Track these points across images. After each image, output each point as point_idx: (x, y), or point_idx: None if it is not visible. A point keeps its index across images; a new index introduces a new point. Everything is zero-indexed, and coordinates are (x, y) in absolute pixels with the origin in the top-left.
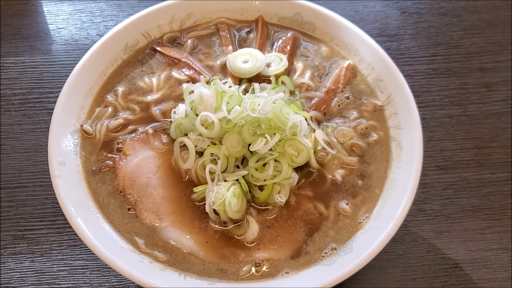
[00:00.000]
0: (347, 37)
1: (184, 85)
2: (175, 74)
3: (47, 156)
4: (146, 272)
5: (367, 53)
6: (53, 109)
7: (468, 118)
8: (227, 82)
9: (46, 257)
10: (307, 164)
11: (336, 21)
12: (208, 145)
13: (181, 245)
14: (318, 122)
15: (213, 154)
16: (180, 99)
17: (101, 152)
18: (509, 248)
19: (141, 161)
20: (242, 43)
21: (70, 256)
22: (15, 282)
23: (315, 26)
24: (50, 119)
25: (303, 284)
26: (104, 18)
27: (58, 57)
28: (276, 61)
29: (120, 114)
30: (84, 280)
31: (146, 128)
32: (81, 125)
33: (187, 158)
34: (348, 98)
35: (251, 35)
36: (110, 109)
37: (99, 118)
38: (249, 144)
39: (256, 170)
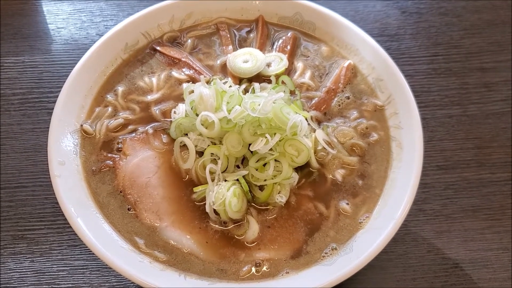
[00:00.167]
0: (348, 37)
1: (184, 85)
2: (175, 73)
3: (46, 156)
4: (146, 272)
5: (367, 53)
6: (53, 108)
7: (468, 118)
8: (227, 82)
9: (46, 257)
10: (307, 164)
11: (336, 21)
12: (208, 145)
13: (181, 245)
14: (319, 122)
15: (213, 154)
16: (180, 99)
17: (101, 152)
18: (509, 248)
19: (141, 161)
20: (242, 43)
21: (70, 256)
22: (15, 282)
23: (316, 25)
24: (50, 119)
25: (304, 284)
26: (104, 17)
27: (58, 56)
28: (276, 61)
29: (120, 114)
30: (84, 280)
31: (146, 128)
32: (81, 125)
33: (187, 158)
34: (348, 98)
35: (251, 35)
36: (110, 109)
37: (99, 118)
38: (249, 144)
39: (257, 170)
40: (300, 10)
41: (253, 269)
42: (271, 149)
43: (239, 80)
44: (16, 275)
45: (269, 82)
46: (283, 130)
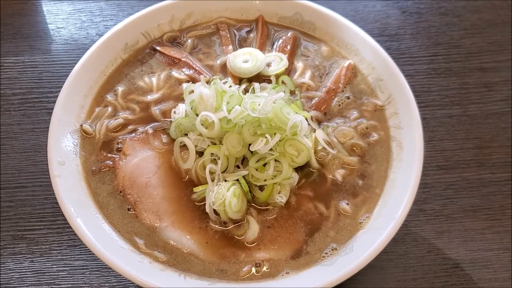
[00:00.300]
0: (348, 37)
1: (184, 85)
2: (175, 73)
3: (46, 156)
4: (146, 272)
5: (367, 53)
6: (52, 108)
7: (468, 118)
8: (227, 81)
9: (45, 257)
10: (307, 164)
11: (336, 21)
12: (208, 145)
13: (181, 245)
14: (319, 122)
15: (213, 154)
16: (180, 98)
17: (100, 152)
18: (509, 248)
19: (141, 161)
20: (242, 43)
21: (69, 256)
22: (15, 282)
23: (316, 25)
24: (50, 119)
25: (304, 284)
26: (104, 17)
27: (58, 56)
28: (276, 61)
29: (120, 114)
30: (84, 280)
31: (146, 128)
32: (81, 125)
33: (187, 158)
34: (348, 98)
35: (251, 35)
36: (110, 108)
37: (99, 118)
38: (250, 144)
39: (257, 170)
40: (300, 10)
41: (253, 269)
42: (271, 149)
43: (239, 80)
44: (16, 275)
45: (269, 82)
46: (283, 130)
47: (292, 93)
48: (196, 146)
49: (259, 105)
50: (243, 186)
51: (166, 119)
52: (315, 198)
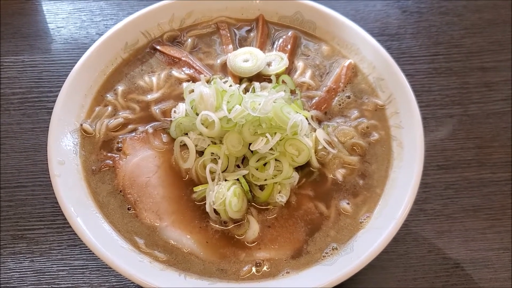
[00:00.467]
0: (348, 36)
1: (184, 84)
2: (175, 73)
3: (46, 155)
4: (146, 272)
5: (368, 52)
6: (52, 108)
7: (469, 117)
8: (227, 81)
9: (45, 257)
10: (308, 164)
11: (337, 20)
12: (209, 145)
13: (181, 245)
14: (319, 122)
15: (213, 153)
16: (180, 98)
17: (100, 152)
18: (510, 248)
19: (141, 161)
20: (242, 42)
21: (69, 256)
22: (15, 282)
23: (316, 25)
24: (50, 118)
25: (304, 284)
26: (104, 17)
27: (58, 56)
28: (276, 60)
29: (120, 113)
30: (84, 280)
31: (146, 127)
32: (81, 124)
33: (187, 158)
34: (349, 97)
35: (251, 34)
36: (110, 108)
37: (99, 117)
38: (250, 144)
39: (257, 169)
40: (301, 9)
41: (254, 269)
42: (271, 149)
43: (239, 80)
44: (16, 275)
45: (270, 81)
46: (284, 130)
47: (292, 92)
48: (196, 145)
49: (260, 104)
50: (244, 185)
51: (166, 119)
52: (316, 197)
